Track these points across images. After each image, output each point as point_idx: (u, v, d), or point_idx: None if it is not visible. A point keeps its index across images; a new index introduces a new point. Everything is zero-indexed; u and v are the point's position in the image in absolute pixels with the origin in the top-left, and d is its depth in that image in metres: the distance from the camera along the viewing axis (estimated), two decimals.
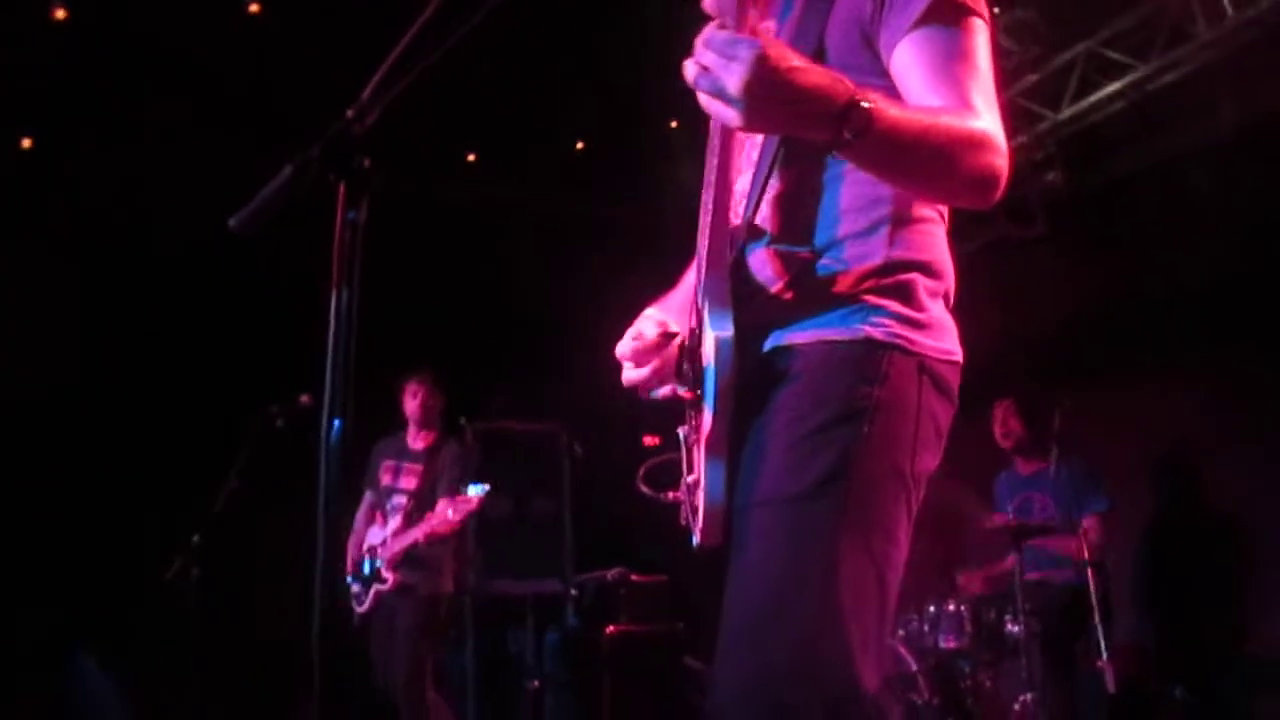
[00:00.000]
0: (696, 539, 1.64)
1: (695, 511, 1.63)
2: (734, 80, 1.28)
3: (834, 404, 1.55)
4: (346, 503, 1.28)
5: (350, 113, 1.34)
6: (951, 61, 1.55)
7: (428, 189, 6.14)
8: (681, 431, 1.77)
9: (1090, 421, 5.46)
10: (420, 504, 5.29)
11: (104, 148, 5.95)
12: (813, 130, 1.38)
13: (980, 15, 1.61)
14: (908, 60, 1.57)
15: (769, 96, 1.29)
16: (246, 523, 4.84)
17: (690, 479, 1.69)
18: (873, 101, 1.35)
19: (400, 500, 5.40)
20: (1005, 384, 5.91)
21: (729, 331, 1.56)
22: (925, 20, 1.55)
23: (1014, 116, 6.32)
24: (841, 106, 1.33)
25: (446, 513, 4.99)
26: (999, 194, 1.53)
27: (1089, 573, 4.76)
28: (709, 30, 1.32)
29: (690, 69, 1.33)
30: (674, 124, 6.42)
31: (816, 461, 1.52)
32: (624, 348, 1.84)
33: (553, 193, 7.09)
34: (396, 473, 5.50)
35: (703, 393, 1.61)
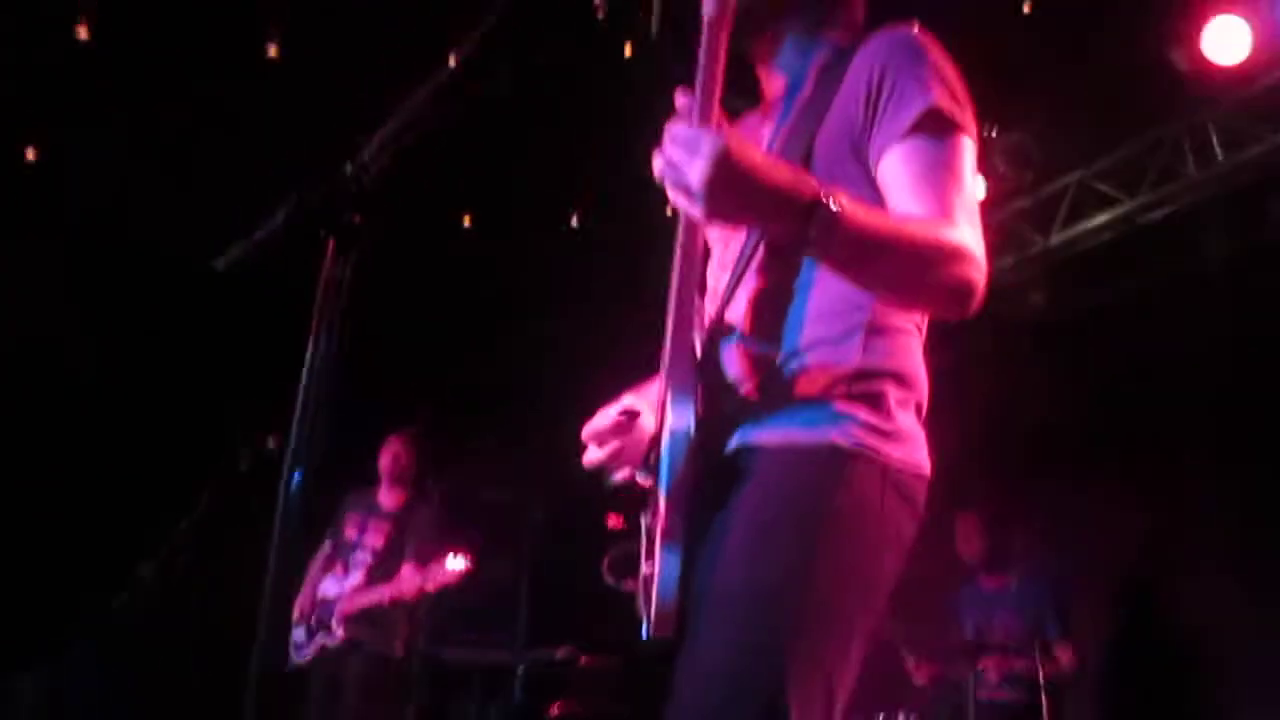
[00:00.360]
0: (648, 630, 1.60)
1: (649, 602, 1.61)
2: (695, 174, 1.30)
3: (796, 508, 1.54)
4: (302, 555, 1.27)
5: (349, 167, 1.35)
6: (935, 172, 1.57)
7: (416, 248, 6.17)
8: (643, 520, 1.75)
9: (1054, 540, 5.48)
10: (383, 562, 5.21)
11: (98, 163, 5.94)
12: (777, 227, 1.41)
13: (968, 133, 1.63)
14: (894, 169, 1.59)
15: (730, 191, 1.31)
16: (199, 564, 4.75)
17: (647, 569, 1.67)
18: (840, 203, 1.37)
19: (364, 556, 5.30)
20: (972, 496, 5.93)
21: (686, 423, 1.56)
22: (914, 131, 1.58)
23: (1004, 238, 6.44)
24: (806, 204, 1.35)
25: (417, 580, 4.94)
26: (975, 306, 1.54)
27: (1044, 695, 4.72)
28: (673, 125, 1.35)
29: (656, 162, 1.35)
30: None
31: (774, 565, 1.50)
32: (588, 429, 1.83)
33: (543, 264, 7.14)
34: (363, 528, 5.41)
35: (660, 481, 1.59)
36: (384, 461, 5.49)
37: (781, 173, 1.37)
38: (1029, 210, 6.30)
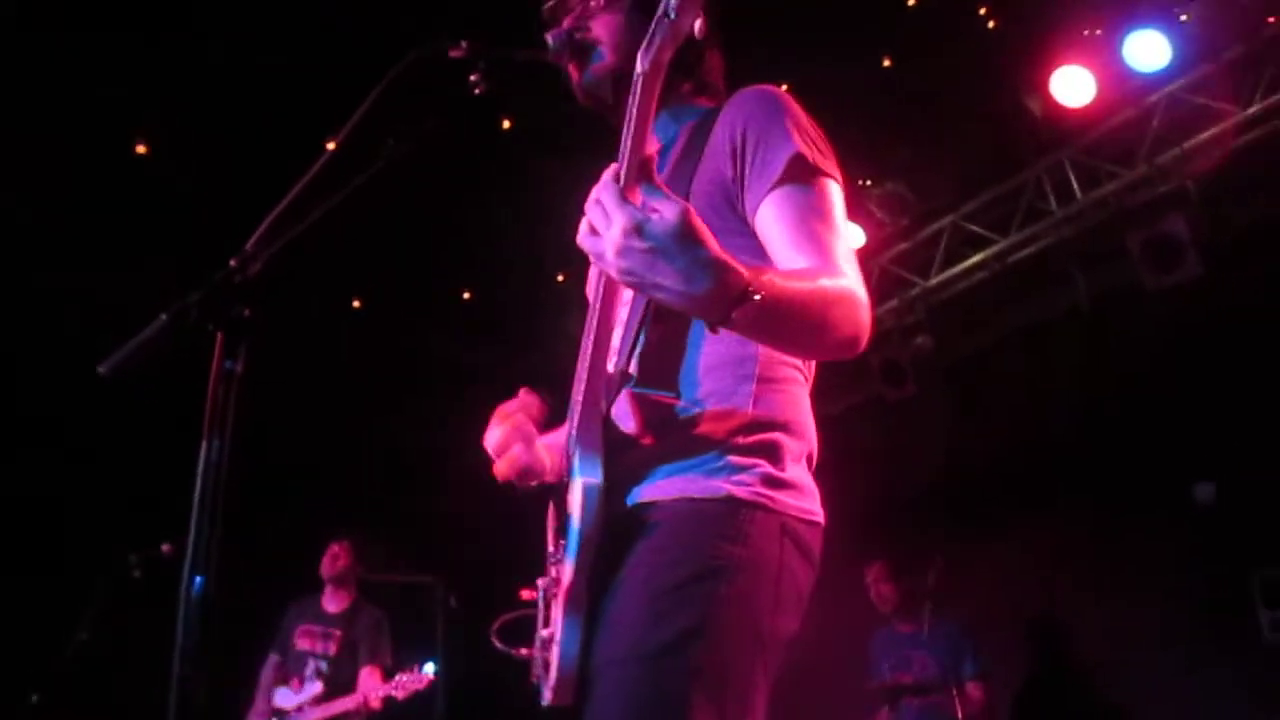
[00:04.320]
0: (546, 697, 1.57)
1: (547, 668, 1.58)
2: (611, 245, 1.30)
3: (693, 562, 1.53)
4: (204, 664, 1.22)
5: (233, 262, 1.33)
6: (809, 220, 1.62)
7: (312, 335, 6.07)
8: (540, 584, 1.72)
9: (960, 578, 5.57)
10: (339, 670, 5.25)
11: None
12: (694, 310, 1.37)
13: (832, 176, 1.69)
14: (770, 219, 1.64)
15: (642, 268, 1.30)
16: (94, 682, 4.52)
17: (545, 633, 1.64)
18: (764, 287, 1.35)
19: (321, 666, 5.32)
20: (880, 539, 6.00)
21: (596, 479, 1.56)
22: (782, 181, 1.63)
23: (885, 282, 6.65)
24: (734, 295, 1.33)
25: (383, 688, 5.02)
26: (862, 348, 1.58)
27: None
28: (604, 184, 1.34)
29: (582, 229, 1.35)
30: (561, 278, 6.55)
31: (673, 620, 1.48)
32: (488, 438, 1.79)
33: (438, 341, 7.08)
34: (315, 638, 5.42)
35: (566, 543, 1.58)
36: (326, 565, 5.51)
37: (714, 254, 1.32)
38: (907, 254, 6.51)
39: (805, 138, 1.67)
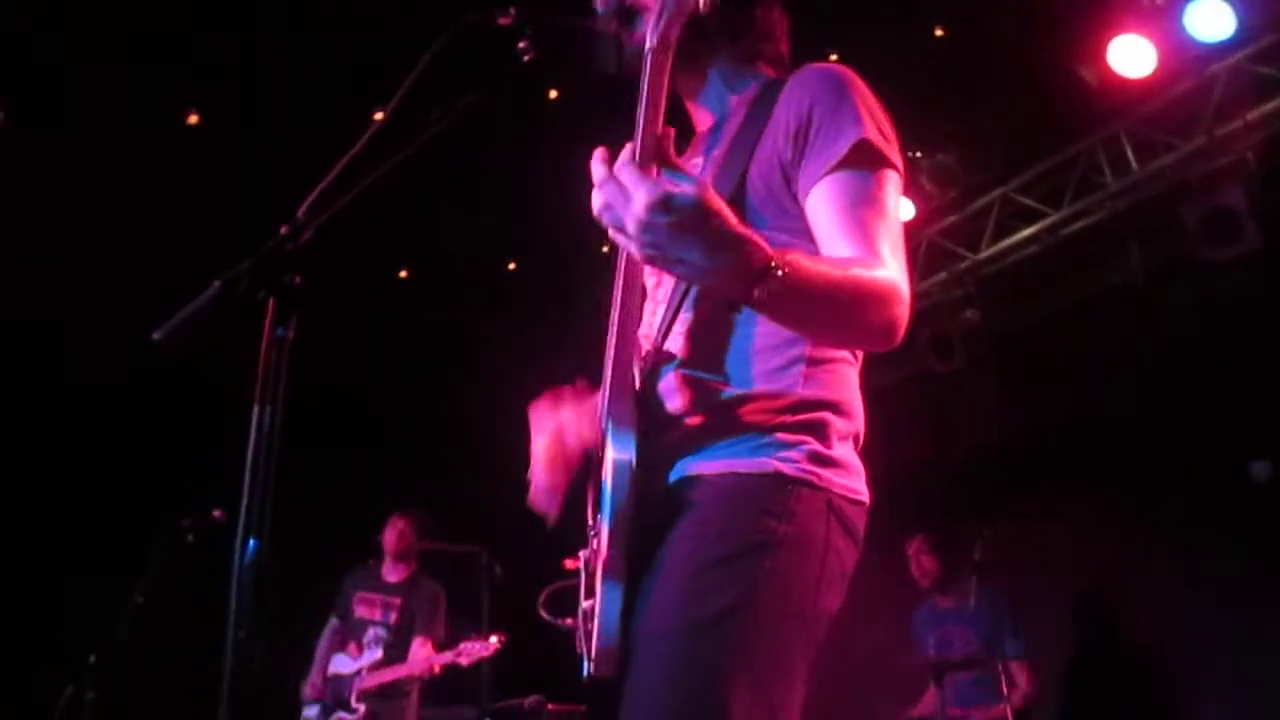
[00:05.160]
0: (589, 668, 1.57)
1: (589, 639, 1.58)
2: (633, 222, 1.29)
3: (738, 537, 1.52)
4: (260, 629, 1.24)
5: (284, 229, 1.34)
6: (861, 207, 1.58)
7: (359, 305, 6.13)
8: (583, 555, 1.72)
9: (1007, 554, 5.52)
10: (400, 638, 5.36)
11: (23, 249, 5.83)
12: (718, 288, 1.39)
13: (895, 167, 1.65)
14: (821, 202, 1.60)
15: (666, 243, 1.30)
16: (149, 644, 4.62)
17: (586, 605, 1.64)
18: (787, 265, 1.35)
19: (380, 633, 5.43)
20: (925, 513, 5.96)
21: (629, 455, 1.54)
22: (841, 165, 1.59)
23: (934, 255, 6.57)
24: (758, 269, 1.34)
25: (444, 657, 5.10)
26: (898, 340, 1.55)
27: (1008, 710, 4.74)
28: (621, 162, 1.32)
29: (596, 200, 1.34)
30: (605, 249, 6.55)
31: (716, 594, 1.48)
32: (531, 474, 1.81)
33: (484, 313, 7.12)
34: (375, 606, 5.53)
35: (602, 514, 1.57)
36: (389, 539, 5.62)
37: (730, 234, 1.32)
38: (957, 227, 6.42)
39: (873, 123, 1.63)
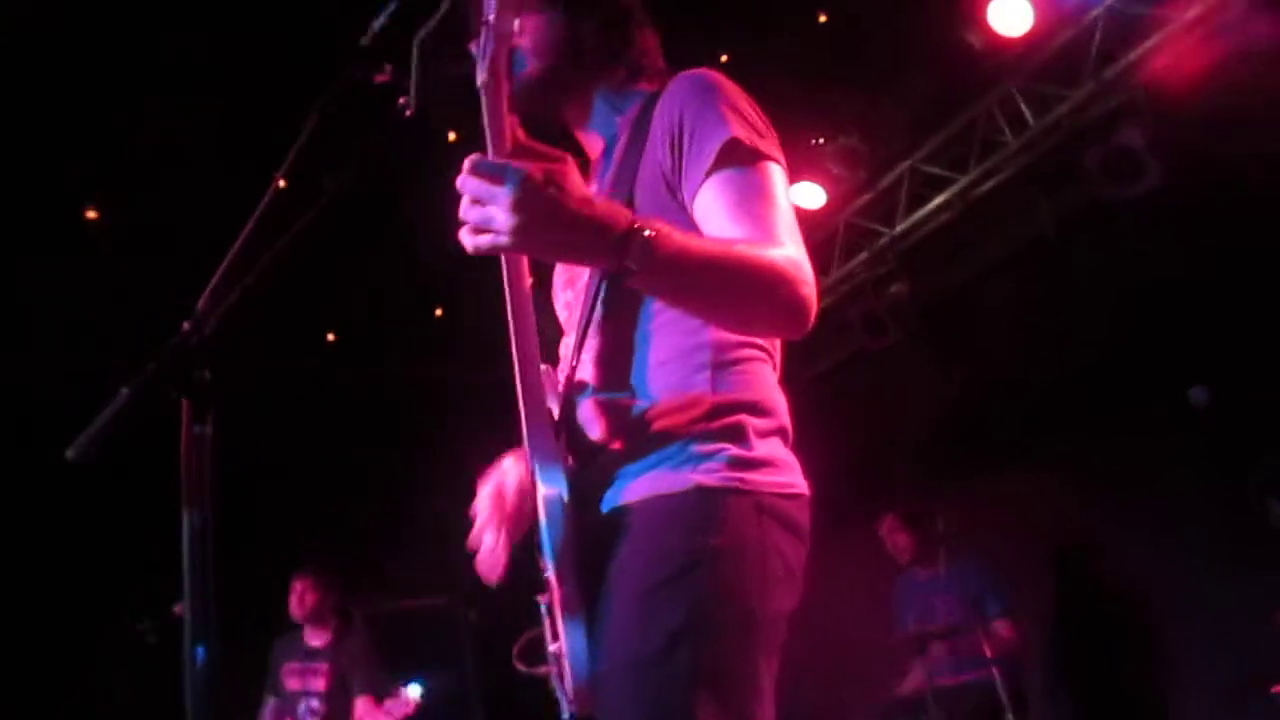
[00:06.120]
0: (569, 709, 1.54)
1: (563, 680, 1.55)
2: (502, 203, 1.28)
3: (673, 559, 1.51)
4: None
5: (187, 325, 1.30)
6: (749, 201, 1.58)
7: (289, 375, 6.03)
8: (542, 600, 1.68)
9: (977, 518, 5.58)
10: (334, 705, 5.09)
11: None
12: (593, 258, 1.40)
13: (773, 159, 1.64)
14: (708, 205, 1.60)
15: (539, 219, 1.30)
16: None
17: (554, 647, 1.61)
18: (656, 229, 1.36)
19: (313, 704, 5.15)
20: (885, 491, 6.01)
21: (558, 489, 1.52)
22: (717, 166, 1.59)
23: (853, 236, 6.65)
24: (621, 233, 1.34)
25: (374, 717, 4.85)
26: (810, 322, 1.54)
27: (996, 671, 4.78)
28: (473, 158, 1.32)
29: (464, 206, 1.32)
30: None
31: (662, 620, 1.47)
32: (473, 537, 1.78)
33: (417, 362, 7.04)
34: (302, 675, 5.25)
35: (545, 555, 1.55)
36: (292, 606, 5.30)
37: (593, 204, 1.35)
38: (870, 205, 6.50)
39: (741, 120, 1.63)
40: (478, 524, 1.78)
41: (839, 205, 6.49)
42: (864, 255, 6.60)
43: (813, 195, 6.27)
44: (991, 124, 5.89)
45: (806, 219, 6.47)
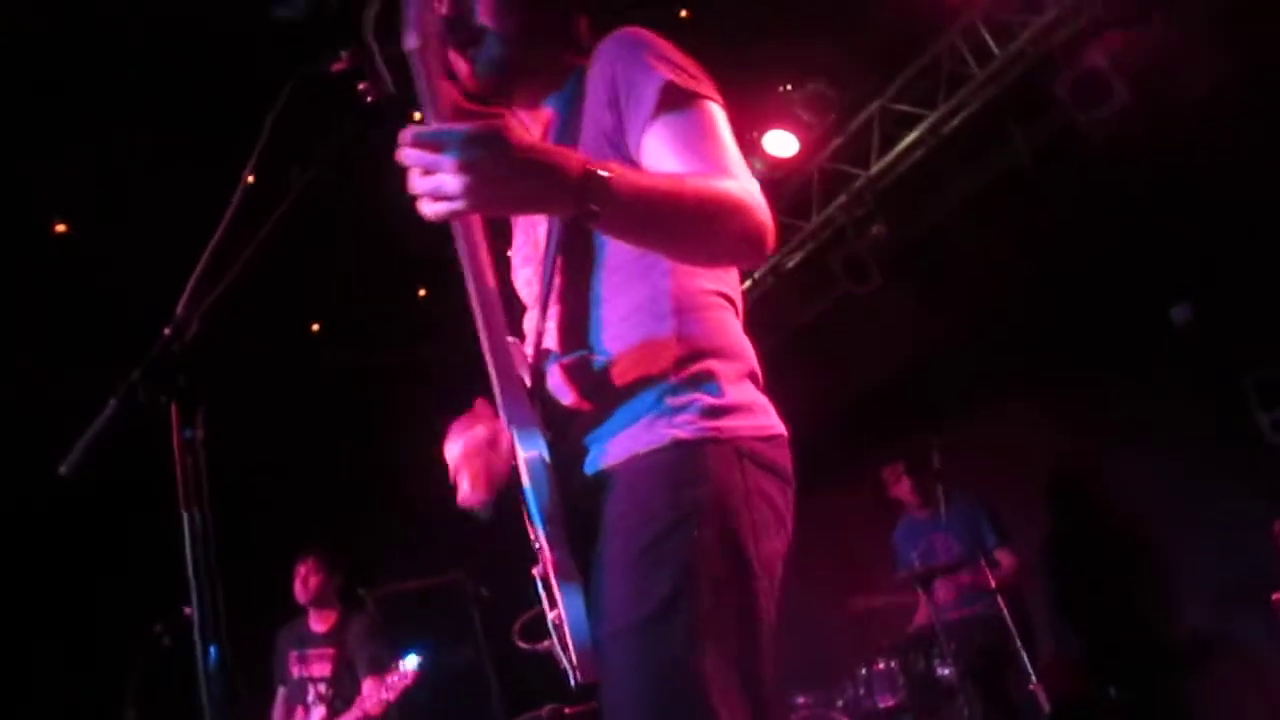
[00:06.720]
0: (575, 677, 1.55)
1: (566, 649, 1.56)
2: (449, 168, 1.28)
3: (660, 518, 1.51)
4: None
5: (168, 330, 1.31)
6: (693, 139, 1.59)
7: (279, 366, 6.03)
8: (536, 573, 1.68)
9: (971, 453, 5.62)
10: (340, 689, 5.05)
11: None
12: (552, 205, 1.39)
13: (711, 98, 1.65)
14: (655, 148, 1.60)
15: (489, 175, 1.29)
16: None
17: (553, 616, 1.61)
18: (610, 169, 1.36)
19: (319, 689, 5.12)
20: (880, 435, 6.05)
21: (536, 450, 1.53)
22: (659, 111, 1.60)
23: (829, 180, 6.63)
24: (578, 177, 1.34)
25: (379, 693, 4.80)
26: (769, 248, 1.55)
27: (1001, 601, 4.85)
28: (411, 129, 1.30)
29: (413, 179, 1.31)
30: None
31: (657, 580, 1.48)
32: (451, 469, 1.75)
33: (408, 343, 7.04)
34: (305, 661, 5.22)
35: (534, 522, 1.56)
36: (296, 590, 5.28)
37: (546, 150, 1.36)
38: (843, 148, 6.48)
39: (672, 66, 1.64)
40: (456, 460, 1.75)
41: (812, 151, 6.47)
42: (841, 199, 6.59)
43: (785, 143, 6.25)
44: (956, 56, 5.87)
45: (781, 167, 6.47)
